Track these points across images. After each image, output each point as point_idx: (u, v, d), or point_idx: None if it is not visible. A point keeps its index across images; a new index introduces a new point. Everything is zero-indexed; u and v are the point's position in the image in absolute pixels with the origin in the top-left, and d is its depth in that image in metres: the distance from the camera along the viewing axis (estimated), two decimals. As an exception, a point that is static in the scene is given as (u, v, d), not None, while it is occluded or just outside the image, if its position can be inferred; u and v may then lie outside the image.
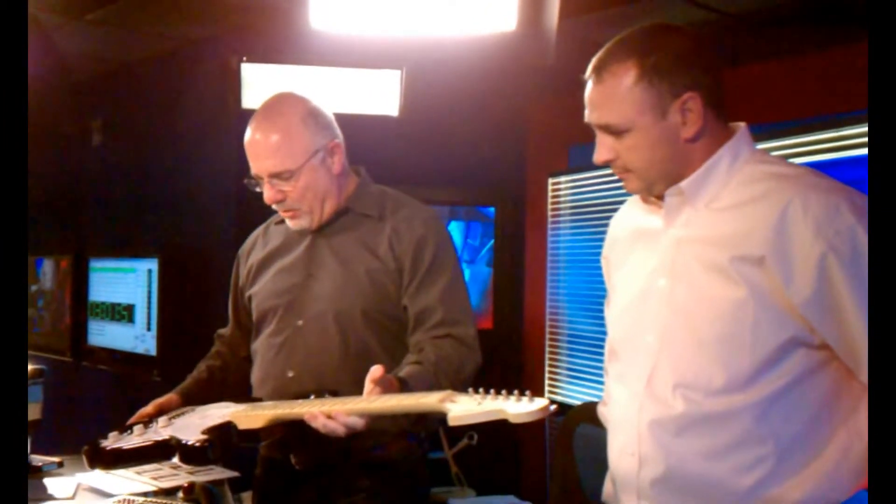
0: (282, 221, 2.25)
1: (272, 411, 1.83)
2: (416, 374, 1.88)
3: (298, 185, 2.07)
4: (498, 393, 1.51)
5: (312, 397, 1.84)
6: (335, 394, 1.84)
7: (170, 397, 2.18)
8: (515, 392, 1.50)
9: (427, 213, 2.17)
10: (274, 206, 2.13)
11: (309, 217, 2.12)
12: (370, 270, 2.09)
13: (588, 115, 1.61)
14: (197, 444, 1.80)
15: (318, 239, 2.17)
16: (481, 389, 1.54)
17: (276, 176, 2.06)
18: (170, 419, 2.02)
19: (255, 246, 2.30)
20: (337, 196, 2.14)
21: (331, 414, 1.71)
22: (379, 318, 2.08)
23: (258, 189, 2.12)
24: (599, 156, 1.61)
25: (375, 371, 1.75)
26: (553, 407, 1.46)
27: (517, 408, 1.45)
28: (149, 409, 2.13)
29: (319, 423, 1.73)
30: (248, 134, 2.09)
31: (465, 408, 1.51)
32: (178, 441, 1.85)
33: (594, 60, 1.59)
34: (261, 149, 2.07)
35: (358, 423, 1.72)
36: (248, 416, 1.85)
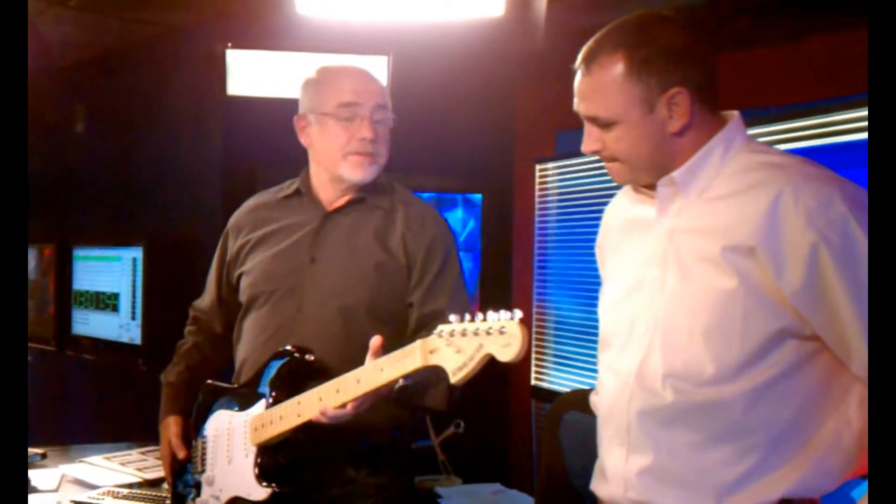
0: (287, 197, 2.21)
1: (281, 425, 1.93)
2: None
3: (385, 133, 2.12)
4: (462, 320, 1.61)
5: (294, 352, 1.99)
6: (308, 352, 1.99)
7: (176, 425, 2.20)
8: (479, 318, 1.59)
9: (435, 212, 2.19)
10: (361, 146, 2.09)
11: (376, 171, 2.12)
12: (379, 264, 2.07)
13: (576, 105, 1.61)
14: (267, 497, 1.94)
15: (325, 222, 2.14)
16: (443, 330, 1.63)
17: (381, 108, 2.11)
18: (205, 478, 2.08)
19: (249, 221, 2.24)
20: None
21: (325, 412, 1.83)
22: (383, 313, 2.07)
23: (345, 117, 2.09)
24: (586, 146, 1.61)
25: (375, 342, 1.81)
26: (520, 314, 1.55)
27: (504, 353, 1.55)
28: (167, 450, 2.21)
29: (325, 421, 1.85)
30: (356, 70, 2.19)
31: (456, 363, 1.61)
32: (252, 501, 1.97)
33: (584, 50, 1.58)
34: (370, 79, 2.16)
35: (364, 403, 1.83)
36: (268, 437, 1.96)
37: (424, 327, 2.05)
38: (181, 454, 2.17)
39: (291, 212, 2.19)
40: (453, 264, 2.14)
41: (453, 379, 1.62)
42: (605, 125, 1.57)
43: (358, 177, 2.11)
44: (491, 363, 1.59)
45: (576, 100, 1.60)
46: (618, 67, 1.53)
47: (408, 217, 2.12)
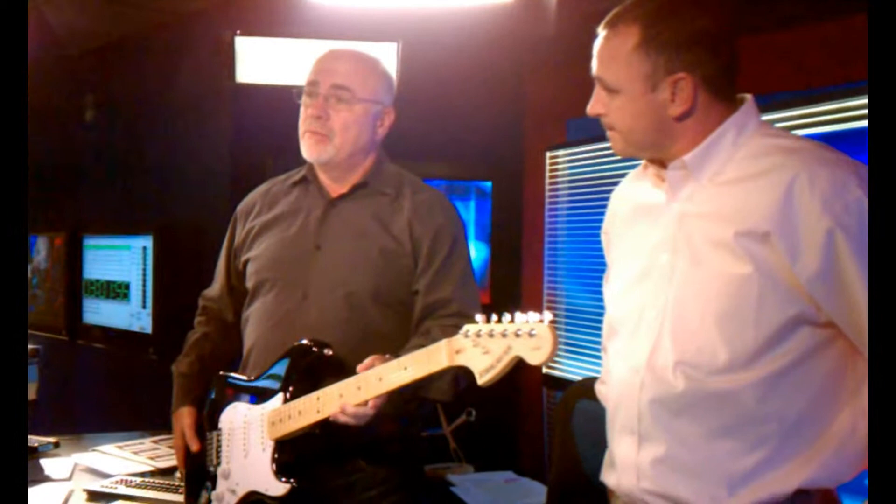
0: (294, 184, 2.20)
1: (300, 420, 1.90)
2: None
3: (347, 114, 2.07)
4: (488, 320, 1.58)
5: (311, 346, 1.96)
6: (326, 346, 1.96)
7: (189, 416, 2.19)
8: (507, 319, 1.56)
9: (445, 200, 2.17)
10: (308, 124, 2.09)
11: (330, 152, 2.08)
12: (384, 249, 2.06)
13: (592, 64, 1.61)
14: (286, 493, 1.92)
15: (330, 209, 2.12)
16: (469, 330, 1.60)
17: (337, 88, 2.07)
18: (220, 471, 2.07)
19: (256, 207, 2.23)
20: (362, 161, 2.13)
21: (345, 410, 1.81)
22: (388, 299, 2.05)
23: (300, 101, 2.11)
24: (591, 107, 1.62)
25: (364, 365, 1.82)
26: (550, 316, 1.52)
27: (535, 356, 1.52)
28: (180, 441, 2.20)
29: (344, 418, 1.83)
30: (332, 51, 2.15)
31: (483, 364, 1.57)
32: (270, 497, 1.95)
33: (611, 13, 1.59)
34: (342, 60, 2.12)
35: (384, 400, 1.82)
36: (285, 433, 1.93)
37: (429, 315, 2.04)
38: (194, 446, 2.16)
39: (298, 199, 2.18)
40: (461, 252, 2.11)
41: (480, 380, 1.59)
42: (609, 90, 1.58)
43: (311, 156, 2.11)
44: (516, 364, 1.56)
45: (593, 60, 1.61)
46: (630, 40, 1.54)
47: (415, 204, 2.10)
